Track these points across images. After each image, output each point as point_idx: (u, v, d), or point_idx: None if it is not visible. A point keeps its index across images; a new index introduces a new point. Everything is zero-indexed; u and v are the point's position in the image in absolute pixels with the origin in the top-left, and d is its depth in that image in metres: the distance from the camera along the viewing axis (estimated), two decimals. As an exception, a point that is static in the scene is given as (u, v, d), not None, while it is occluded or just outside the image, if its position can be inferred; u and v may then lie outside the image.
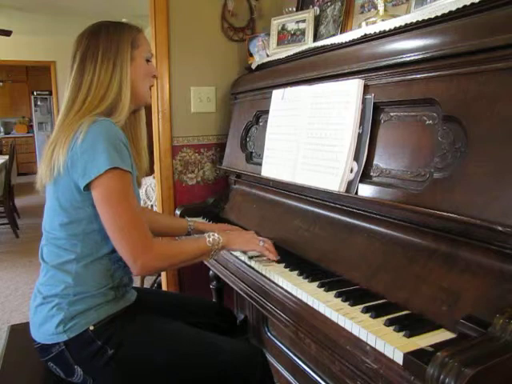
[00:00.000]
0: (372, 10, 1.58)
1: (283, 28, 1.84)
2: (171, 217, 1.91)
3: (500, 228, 0.80)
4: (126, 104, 1.14)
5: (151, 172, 2.32)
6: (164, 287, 2.20)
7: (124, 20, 1.24)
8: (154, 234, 1.11)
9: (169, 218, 1.80)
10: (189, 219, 1.55)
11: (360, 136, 1.20)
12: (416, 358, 0.73)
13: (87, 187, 1.03)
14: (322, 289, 1.05)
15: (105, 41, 1.13)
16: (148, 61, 1.22)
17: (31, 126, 9.55)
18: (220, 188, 2.14)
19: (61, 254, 1.09)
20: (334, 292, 1.02)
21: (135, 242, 1.03)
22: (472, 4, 0.96)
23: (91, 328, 1.06)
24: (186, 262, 1.17)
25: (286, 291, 1.10)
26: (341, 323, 0.91)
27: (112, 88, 1.11)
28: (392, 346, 0.78)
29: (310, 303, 1.01)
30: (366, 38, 1.27)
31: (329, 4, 1.69)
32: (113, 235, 1.04)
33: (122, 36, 1.15)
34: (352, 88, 1.22)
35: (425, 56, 1.02)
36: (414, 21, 1.10)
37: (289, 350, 1.66)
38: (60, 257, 1.09)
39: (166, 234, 1.58)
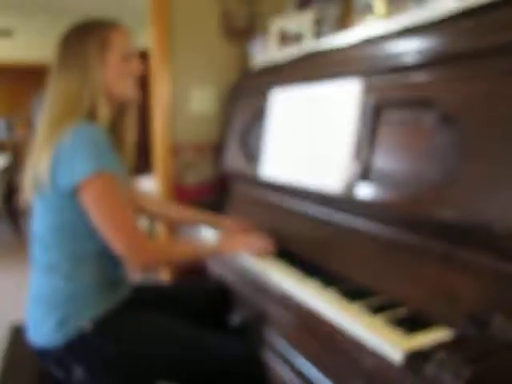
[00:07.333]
0: (372, 10, 1.58)
1: (283, 28, 1.84)
2: (184, 209, 1.81)
3: (500, 228, 0.80)
4: (103, 109, 1.11)
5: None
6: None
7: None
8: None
9: (181, 209, 1.72)
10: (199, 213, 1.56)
11: (360, 136, 1.20)
12: (415, 357, 0.73)
13: (73, 191, 1.03)
14: (322, 288, 1.05)
15: (74, 51, 1.11)
16: (126, 58, 1.14)
17: (31, 126, 9.55)
18: (220, 188, 2.14)
19: (49, 254, 1.10)
20: (334, 291, 1.02)
21: (127, 239, 1.06)
22: (472, 4, 0.96)
23: (88, 326, 1.06)
24: (180, 262, 1.29)
25: (286, 291, 1.10)
26: (341, 323, 0.91)
27: (83, 98, 1.08)
28: (392, 345, 0.78)
29: (309, 303, 1.02)
30: (366, 39, 1.27)
31: (329, 4, 1.69)
32: (106, 235, 1.06)
33: (91, 40, 1.10)
34: (352, 88, 1.22)
35: (425, 57, 1.02)
36: (414, 21, 1.10)
37: (289, 350, 1.66)
38: (49, 257, 1.10)
39: (177, 224, 1.60)
